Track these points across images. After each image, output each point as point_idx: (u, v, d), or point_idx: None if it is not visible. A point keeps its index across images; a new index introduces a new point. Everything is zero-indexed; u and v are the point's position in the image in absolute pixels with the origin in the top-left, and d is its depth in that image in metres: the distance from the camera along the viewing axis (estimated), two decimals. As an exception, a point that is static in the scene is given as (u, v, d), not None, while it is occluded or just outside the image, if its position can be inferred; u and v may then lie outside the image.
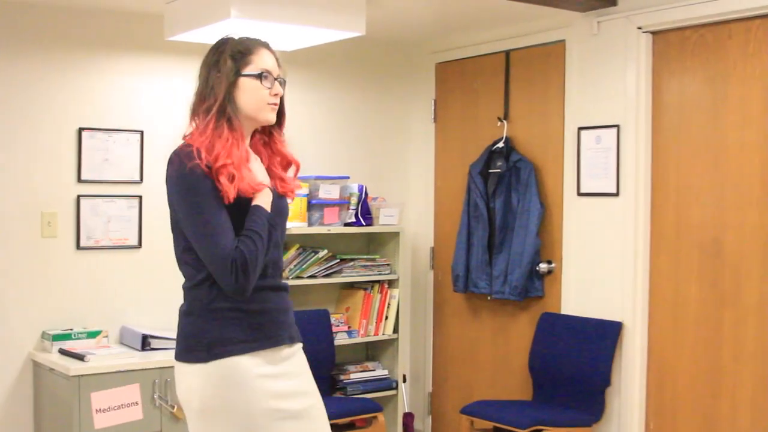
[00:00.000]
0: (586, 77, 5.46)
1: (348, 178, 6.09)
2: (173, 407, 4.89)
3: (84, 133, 5.37)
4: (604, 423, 5.29)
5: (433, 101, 6.54)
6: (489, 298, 5.94)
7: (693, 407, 5.01)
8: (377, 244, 6.31)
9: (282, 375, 2.95)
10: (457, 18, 5.80)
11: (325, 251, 5.93)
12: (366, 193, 6.09)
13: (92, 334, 5.24)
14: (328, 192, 5.92)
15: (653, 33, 5.18)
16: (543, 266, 5.72)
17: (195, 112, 3.00)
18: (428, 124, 6.57)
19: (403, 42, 6.51)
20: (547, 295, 5.75)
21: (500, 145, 5.87)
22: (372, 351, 6.43)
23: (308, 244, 5.94)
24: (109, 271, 5.48)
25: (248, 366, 2.88)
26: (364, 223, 6.04)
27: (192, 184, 2.84)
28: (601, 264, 5.37)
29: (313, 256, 5.88)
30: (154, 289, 5.57)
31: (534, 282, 5.74)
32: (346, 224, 6.01)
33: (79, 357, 4.90)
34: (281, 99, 3.06)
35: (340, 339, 5.98)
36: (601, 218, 5.38)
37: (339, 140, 6.35)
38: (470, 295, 6.18)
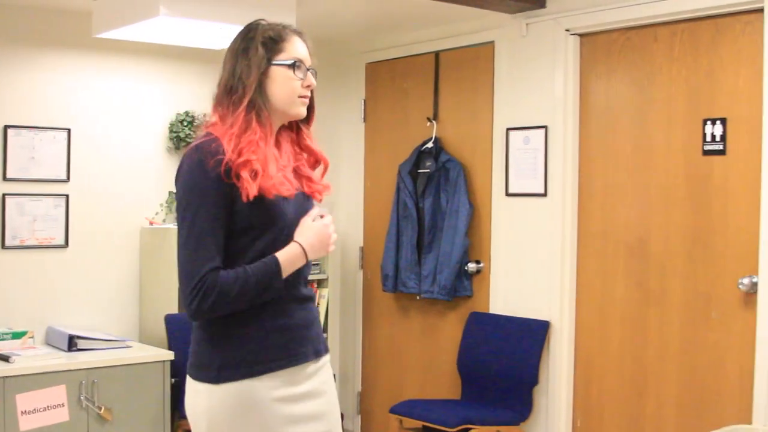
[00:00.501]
0: (514, 78, 5.47)
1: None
2: (100, 408, 4.79)
3: (10, 131, 5.24)
4: (532, 421, 5.31)
5: (362, 101, 6.51)
6: (418, 297, 5.92)
7: (619, 405, 5.05)
8: (307, 243, 6.24)
9: (304, 396, 2.69)
10: (387, 18, 5.78)
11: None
12: (295, 193, 6.02)
13: (17, 335, 5.11)
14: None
15: (581, 35, 5.21)
16: (471, 266, 5.72)
17: (220, 103, 2.70)
18: (358, 124, 6.54)
19: (333, 42, 6.47)
20: (475, 295, 5.75)
21: (429, 145, 5.86)
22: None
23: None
24: (35, 270, 5.35)
25: (264, 390, 2.61)
26: (293, 223, 5.97)
27: (201, 184, 2.56)
28: (529, 264, 5.39)
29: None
30: (81, 289, 5.46)
31: (463, 281, 5.73)
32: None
33: (4, 358, 4.77)
34: (311, 92, 2.79)
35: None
36: (529, 218, 5.39)
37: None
38: (399, 295, 6.16)
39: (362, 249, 6.51)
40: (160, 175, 5.74)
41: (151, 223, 5.65)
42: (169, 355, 5.11)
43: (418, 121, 6.07)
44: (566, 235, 5.22)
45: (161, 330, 5.33)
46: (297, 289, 2.71)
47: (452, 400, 5.64)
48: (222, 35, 4.99)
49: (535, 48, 5.34)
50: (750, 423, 4.40)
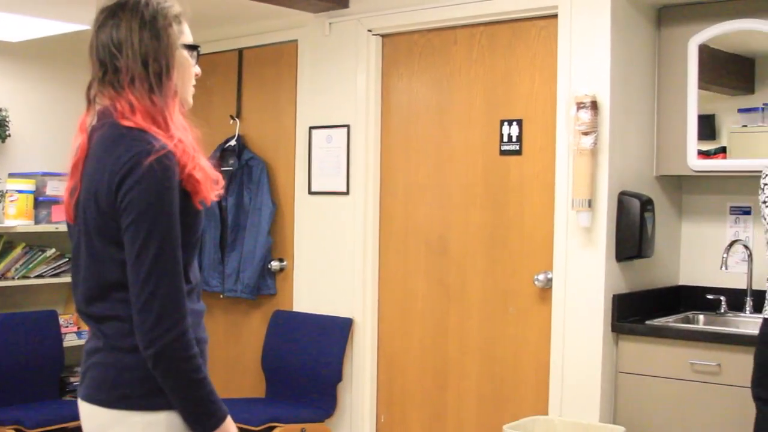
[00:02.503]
0: (317, 77, 5.36)
1: (72, 175, 5.71)
2: None
3: None
4: (337, 417, 5.21)
5: (164, 98, 6.24)
6: (221, 296, 5.72)
7: (422, 399, 5.01)
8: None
9: None
10: (190, 14, 5.55)
11: (53, 250, 5.52)
12: (96, 191, 5.73)
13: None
14: (56, 189, 5.49)
15: (383, 36, 5.14)
16: (275, 264, 5.57)
17: (127, 90, 2.23)
18: (160, 121, 6.27)
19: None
20: (279, 293, 5.60)
21: (232, 143, 5.66)
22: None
23: (35, 242, 5.50)
24: None
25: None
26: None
27: (173, 197, 2.17)
28: (332, 261, 5.29)
29: (41, 255, 5.45)
30: None
31: (266, 280, 5.58)
32: (75, 222, 5.63)
33: None
34: None
35: (70, 340, 5.58)
36: (331, 216, 5.30)
37: (67, 136, 5.92)
38: (203, 294, 5.93)
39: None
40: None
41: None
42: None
43: (221, 119, 5.86)
44: (368, 233, 5.15)
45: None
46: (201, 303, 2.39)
47: (257, 398, 5.48)
48: (19, 27, 4.69)
49: (338, 47, 5.25)
50: (546, 414, 4.44)
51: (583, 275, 4.35)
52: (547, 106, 4.54)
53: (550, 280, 4.50)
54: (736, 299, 4.50)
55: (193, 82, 2.43)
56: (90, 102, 2.34)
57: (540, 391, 4.54)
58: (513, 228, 4.67)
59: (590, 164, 4.27)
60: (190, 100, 2.44)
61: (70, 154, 2.34)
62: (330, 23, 5.24)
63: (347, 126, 5.19)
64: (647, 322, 4.29)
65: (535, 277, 4.54)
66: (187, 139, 2.27)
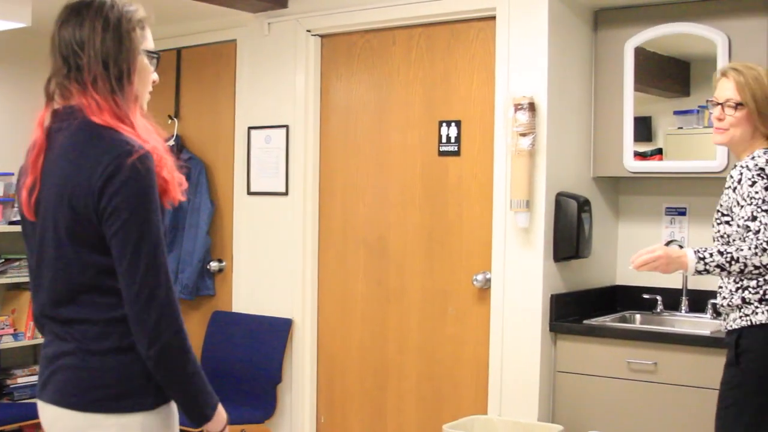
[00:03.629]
0: (256, 77, 5.27)
1: (13, 174, 5.56)
2: None
3: None
4: (277, 418, 5.12)
5: (101, 97, 6.11)
6: (158, 297, 5.62)
7: (362, 399, 4.95)
8: (43, 243, 5.81)
9: None
10: (152, 20, 5.44)
11: (-15, 251, 5.40)
12: (32, 191, 5.58)
13: None
14: (-13, 189, 5.38)
15: (322, 36, 5.06)
16: (214, 265, 5.47)
17: (92, 89, 2.20)
18: (97, 121, 6.13)
19: (70, 36, 6.04)
20: (218, 294, 5.49)
21: (171, 143, 5.55)
22: (40, 354, 5.91)
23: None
24: None
25: (174, 408, 2.29)
26: (29, 222, 5.53)
27: (156, 197, 2.16)
28: (271, 262, 5.20)
29: (-28, 256, 5.34)
30: None
31: (205, 280, 5.48)
32: (11, 222, 5.47)
33: None
34: None
35: (6, 342, 5.41)
36: (270, 217, 5.22)
37: (2, 135, 5.78)
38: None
39: (102, 248, 6.12)
40: None
41: None
42: None
43: (158, 119, 5.68)
44: (307, 234, 5.08)
45: None
46: None
47: (195, 400, 5.38)
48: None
49: (277, 47, 5.17)
50: (486, 413, 4.41)
51: (522, 275, 4.32)
52: (486, 108, 4.50)
53: (488, 281, 4.47)
54: (671, 299, 4.50)
55: (150, 88, 2.38)
56: (49, 98, 2.29)
57: (479, 391, 4.50)
58: (452, 228, 4.63)
59: (528, 165, 4.25)
60: (145, 106, 2.38)
61: (28, 151, 2.30)
62: (269, 23, 5.15)
63: (286, 126, 5.12)
64: (585, 322, 4.28)
65: (474, 277, 4.51)
66: (156, 141, 2.25)
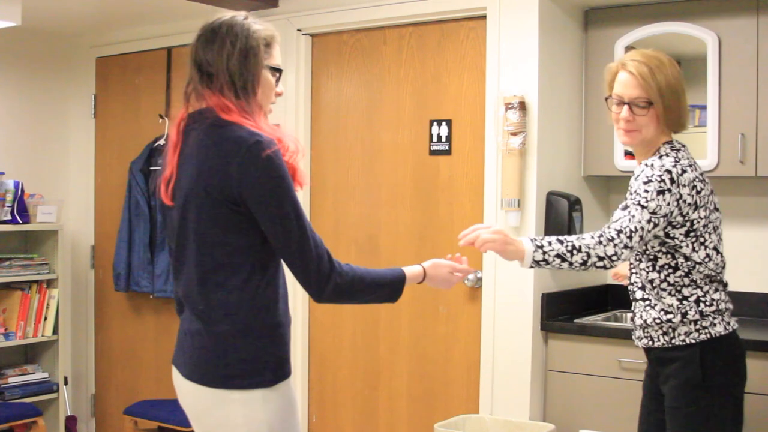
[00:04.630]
0: (247, 77, 5.24)
1: (2, 174, 5.52)
2: None
3: None
4: (268, 418, 5.11)
5: (93, 96, 6.04)
6: (151, 296, 5.56)
7: (353, 399, 4.92)
8: (35, 242, 5.75)
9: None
10: (118, 13, 5.37)
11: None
12: (22, 190, 5.53)
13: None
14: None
15: (312, 35, 5.03)
16: (206, 264, 5.45)
17: (225, 96, 2.52)
18: (88, 120, 6.07)
19: (62, 34, 5.97)
20: (210, 293, 5.48)
21: (161, 142, 5.50)
22: (31, 353, 5.86)
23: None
24: None
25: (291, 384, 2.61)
26: (20, 221, 5.47)
27: (287, 172, 2.49)
28: (264, 261, 5.18)
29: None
30: None
31: (196, 280, 5.45)
32: (1, 222, 5.42)
33: None
34: None
35: (-4, 341, 5.43)
36: (263, 216, 5.19)
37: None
38: (132, 294, 5.77)
39: (93, 248, 6.06)
40: None
41: None
42: None
43: (150, 118, 5.70)
44: (300, 233, 5.05)
45: None
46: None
47: (187, 399, 5.36)
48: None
49: (268, 47, 5.13)
50: (477, 412, 4.39)
51: (513, 274, 4.30)
52: (476, 107, 4.48)
53: (480, 280, 4.45)
54: (661, 297, 4.48)
55: (273, 100, 2.65)
56: (187, 99, 2.61)
57: (470, 390, 4.48)
58: (442, 227, 4.61)
59: (519, 164, 4.23)
60: (269, 116, 2.66)
61: (165, 149, 2.64)
62: (259, 22, 5.12)
63: (277, 125, 5.07)
64: (576, 321, 4.26)
65: (466, 276, 4.48)
66: (280, 134, 2.55)
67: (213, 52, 2.53)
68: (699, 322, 3.01)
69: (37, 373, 5.67)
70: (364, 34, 4.85)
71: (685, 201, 2.94)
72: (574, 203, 4.29)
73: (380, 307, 4.78)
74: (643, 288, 3.13)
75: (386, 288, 2.63)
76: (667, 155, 3.01)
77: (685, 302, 3.02)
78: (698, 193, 2.97)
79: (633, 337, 3.26)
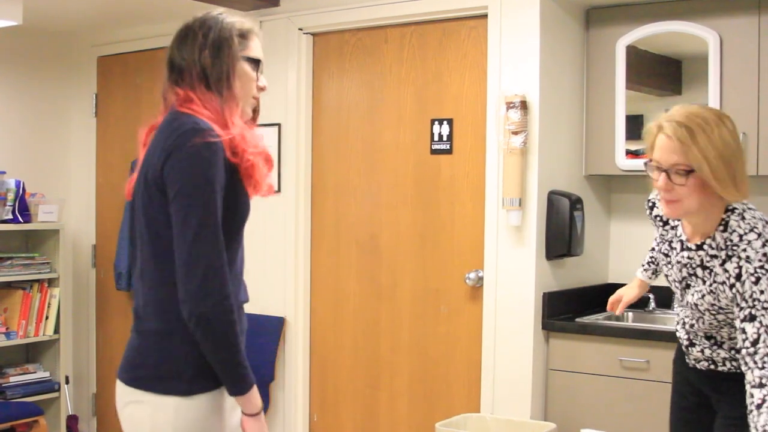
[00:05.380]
0: (248, 76, 5.23)
1: (4, 173, 5.52)
2: None
3: None
4: (270, 417, 5.08)
5: (94, 95, 6.03)
6: (153, 295, 5.58)
7: (354, 398, 4.91)
8: (36, 241, 5.74)
9: (234, 406, 2.42)
10: (120, 11, 5.37)
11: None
12: (24, 189, 5.53)
13: None
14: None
15: (314, 34, 5.02)
16: (207, 263, 5.44)
17: (192, 88, 2.41)
18: (89, 119, 6.06)
19: (64, 33, 5.97)
20: (211, 292, 5.47)
21: (163, 141, 5.53)
22: (32, 353, 5.85)
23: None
24: None
25: (225, 396, 2.37)
26: (21, 220, 5.46)
27: (216, 175, 2.30)
28: (264, 260, 5.15)
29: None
30: None
31: (198, 279, 5.45)
32: (2, 221, 5.42)
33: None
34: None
35: (-5, 340, 5.43)
36: (263, 215, 5.16)
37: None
38: (133, 294, 5.78)
39: (95, 247, 6.06)
40: None
41: None
42: None
43: (151, 117, 5.70)
44: (300, 232, 5.04)
45: None
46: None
47: (189, 398, 5.35)
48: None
49: (269, 46, 5.08)
50: (478, 412, 4.38)
51: (514, 273, 4.29)
52: (478, 106, 4.47)
53: (481, 279, 4.44)
54: (664, 296, 4.46)
55: (255, 93, 2.53)
56: (164, 100, 2.51)
57: (472, 389, 4.47)
58: (444, 227, 4.60)
59: (520, 163, 4.22)
60: (249, 112, 2.53)
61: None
62: (261, 21, 5.10)
63: (278, 125, 5.07)
64: (577, 320, 4.25)
65: (466, 275, 4.47)
66: (251, 135, 2.40)
67: (186, 48, 2.46)
68: None
69: (39, 372, 5.67)
70: (366, 33, 4.84)
71: None
72: (576, 202, 4.29)
73: (381, 306, 4.78)
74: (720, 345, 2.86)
75: (240, 367, 2.32)
76: (749, 231, 2.60)
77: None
78: None
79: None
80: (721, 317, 2.73)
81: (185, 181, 2.26)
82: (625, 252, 4.73)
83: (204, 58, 2.42)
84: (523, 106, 4.19)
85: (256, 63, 2.51)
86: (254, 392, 2.36)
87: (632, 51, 4.37)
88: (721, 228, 2.63)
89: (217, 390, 2.35)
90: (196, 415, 2.32)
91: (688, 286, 2.82)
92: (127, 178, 2.56)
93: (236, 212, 2.39)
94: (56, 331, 5.65)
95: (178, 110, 2.39)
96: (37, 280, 5.61)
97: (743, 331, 2.53)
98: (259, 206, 5.10)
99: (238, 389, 2.32)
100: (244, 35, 2.49)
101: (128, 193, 2.50)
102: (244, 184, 2.37)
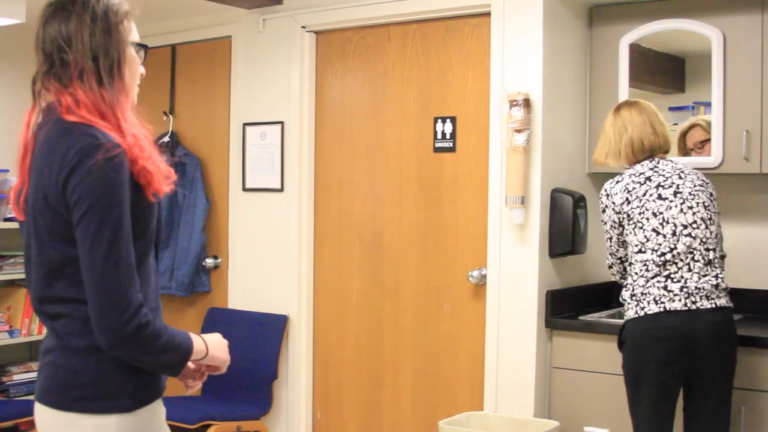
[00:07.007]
0: (251, 73, 5.22)
1: (8, 171, 5.53)
2: None
3: None
4: (273, 415, 5.09)
5: (96, 94, 6.06)
6: (156, 293, 5.59)
7: (357, 396, 4.92)
8: (38, 240, 5.78)
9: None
10: (137, 13, 5.39)
11: (-20, 247, 5.35)
12: (27, 188, 5.55)
13: None
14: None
15: (317, 32, 5.03)
16: (209, 261, 5.44)
17: (75, 83, 2.16)
18: (91, 117, 6.09)
19: (65, 32, 6.00)
20: (214, 291, 5.46)
21: (166, 139, 5.52)
22: (36, 351, 5.88)
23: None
24: None
25: (161, 408, 2.28)
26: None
27: (122, 190, 2.10)
28: (267, 258, 5.17)
29: (-33, 252, 5.30)
30: None
31: (201, 277, 5.44)
32: (6, 219, 5.44)
33: None
34: None
35: (2, 339, 5.37)
36: (266, 213, 5.19)
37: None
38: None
39: (97, 245, 6.08)
40: None
41: None
42: None
43: (154, 115, 5.67)
44: (303, 230, 5.05)
45: None
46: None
47: (192, 396, 5.35)
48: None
49: (272, 44, 5.13)
50: (481, 410, 4.39)
51: (517, 271, 4.30)
52: (481, 104, 4.48)
53: (484, 277, 4.45)
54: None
55: (138, 81, 2.32)
56: (35, 97, 2.26)
57: (475, 387, 4.48)
58: (447, 225, 4.61)
59: (523, 161, 4.23)
60: (135, 99, 2.32)
61: (18, 152, 2.28)
62: (264, 19, 5.12)
63: (281, 123, 5.08)
64: (580, 318, 4.26)
65: (470, 273, 4.48)
66: (141, 133, 2.20)
67: (68, 32, 2.17)
68: (626, 303, 3.67)
69: (41, 370, 5.68)
70: (369, 31, 4.85)
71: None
72: (579, 200, 4.29)
73: (384, 304, 4.79)
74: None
75: (180, 349, 2.24)
76: None
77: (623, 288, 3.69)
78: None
79: None
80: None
81: (92, 203, 2.06)
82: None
83: (96, 44, 2.17)
84: (527, 104, 4.19)
85: (142, 48, 2.31)
86: (195, 346, 2.31)
87: (635, 49, 4.37)
88: None
89: (156, 402, 2.26)
90: (139, 430, 2.20)
91: None
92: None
93: (140, 220, 2.18)
94: (58, 329, 5.64)
95: (66, 120, 2.15)
96: (40, 278, 5.61)
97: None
98: (261, 204, 5.15)
99: (179, 369, 2.27)
100: (127, 17, 2.27)
101: (17, 210, 2.26)
102: (146, 194, 2.18)
